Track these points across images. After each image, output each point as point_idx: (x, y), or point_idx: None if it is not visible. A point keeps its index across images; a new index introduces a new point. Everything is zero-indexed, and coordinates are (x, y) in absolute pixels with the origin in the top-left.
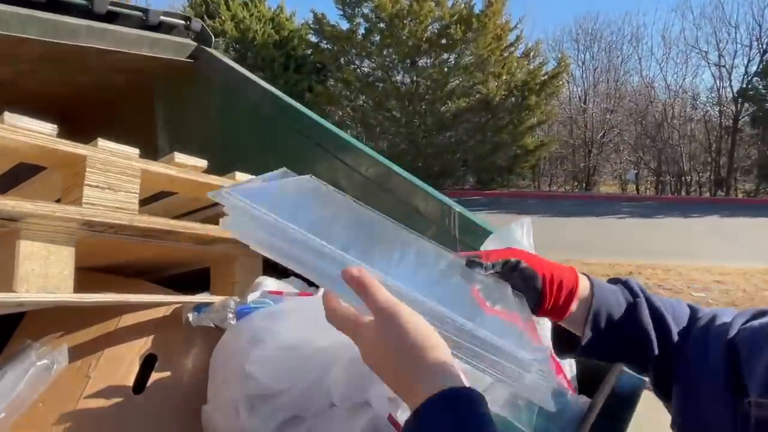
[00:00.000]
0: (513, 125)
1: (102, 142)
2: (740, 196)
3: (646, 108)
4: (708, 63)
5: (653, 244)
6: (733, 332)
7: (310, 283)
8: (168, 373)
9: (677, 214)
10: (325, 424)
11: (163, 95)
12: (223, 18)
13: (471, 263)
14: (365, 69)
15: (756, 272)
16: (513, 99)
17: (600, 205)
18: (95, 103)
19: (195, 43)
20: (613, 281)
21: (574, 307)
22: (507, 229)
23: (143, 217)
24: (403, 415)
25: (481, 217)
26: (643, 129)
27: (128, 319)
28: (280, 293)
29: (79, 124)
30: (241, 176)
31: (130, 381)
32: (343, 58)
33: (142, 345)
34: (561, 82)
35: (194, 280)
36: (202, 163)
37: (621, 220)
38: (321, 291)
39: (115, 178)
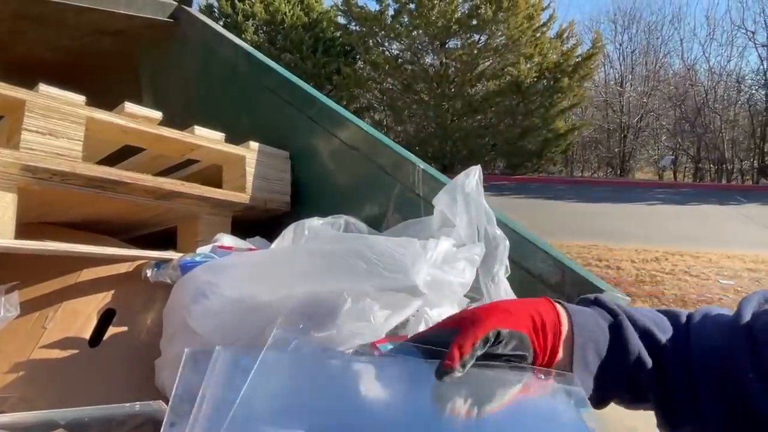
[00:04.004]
0: (544, 108)
1: (44, 88)
2: None
3: (686, 92)
4: (755, 44)
5: (685, 231)
6: (746, 319)
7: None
8: (125, 329)
9: (714, 201)
10: None
11: (148, 57)
12: (252, 0)
13: (442, 374)
14: (394, 51)
15: None
16: (545, 81)
17: (633, 192)
18: (85, 68)
19: (175, 3)
20: (583, 302)
21: (560, 349)
22: (454, 179)
23: (87, 165)
24: None
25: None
26: (682, 114)
27: (89, 274)
28: (230, 248)
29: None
30: (200, 131)
31: (87, 334)
32: (371, 40)
33: (102, 299)
34: (595, 64)
35: (171, 239)
36: (156, 114)
37: (653, 206)
38: (273, 244)
39: (57, 124)
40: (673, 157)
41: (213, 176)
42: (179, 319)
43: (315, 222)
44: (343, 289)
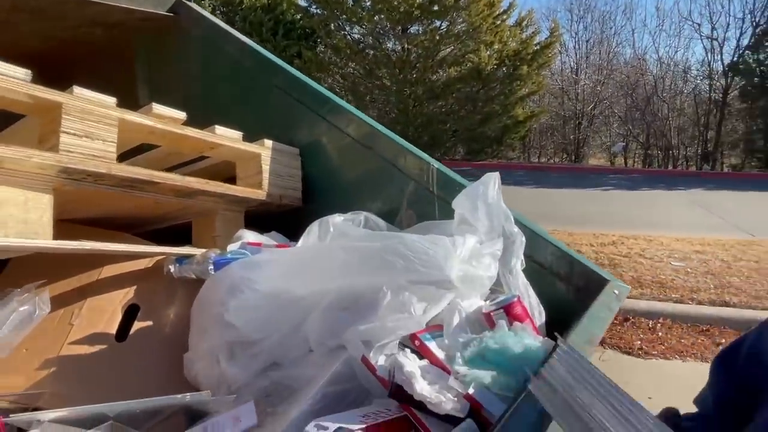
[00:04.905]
0: (504, 95)
1: (78, 90)
2: (726, 170)
3: (636, 81)
4: (700, 36)
5: (638, 215)
6: None
7: (296, 236)
8: (150, 323)
9: (663, 187)
10: (302, 369)
11: (144, 50)
12: None
13: None
14: (355, 35)
15: (735, 243)
16: (504, 69)
17: (587, 178)
18: (74, 58)
19: None
20: None
21: None
22: (475, 185)
23: (122, 166)
24: (375, 356)
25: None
26: (633, 102)
27: (110, 270)
28: (259, 245)
29: (57, 82)
30: (220, 130)
31: (113, 330)
32: (333, 24)
33: (125, 295)
34: (553, 53)
35: (175, 234)
36: (181, 114)
37: (607, 191)
38: (299, 242)
39: (92, 126)
40: (624, 143)
41: (220, 172)
42: (213, 314)
43: (337, 218)
44: (381, 283)
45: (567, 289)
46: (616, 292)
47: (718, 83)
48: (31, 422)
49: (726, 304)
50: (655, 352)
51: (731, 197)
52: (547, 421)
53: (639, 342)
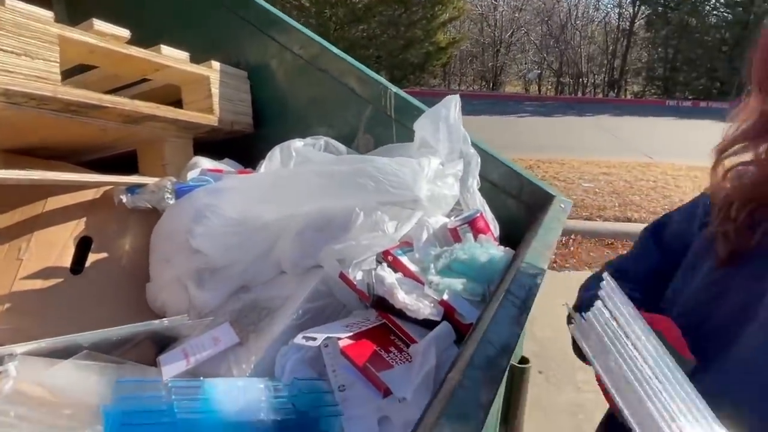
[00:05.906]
0: (426, 20)
1: (10, 1)
2: (629, 97)
3: (552, 7)
4: None
5: (551, 140)
6: None
7: (246, 163)
8: (106, 255)
9: (573, 113)
10: (274, 290)
11: None
12: None
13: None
14: None
15: (637, 165)
16: None
17: (506, 105)
18: None
19: None
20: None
21: None
22: (437, 107)
23: (68, 89)
24: (354, 272)
25: None
26: (548, 29)
27: (55, 203)
28: (219, 171)
29: None
30: (167, 50)
31: (67, 263)
32: None
33: (75, 227)
34: None
35: (103, 165)
36: (124, 32)
37: (523, 118)
38: (262, 167)
39: (30, 43)
40: (539, 71)
41: (161, 98)
42: (178, 242)
43: (298, 143)
44: (353, 205)
45: (517, 206)
46: (562, 206)
47: (626, 12)
48: (2, 357)
49: (628, 220)
50: (568, 265)
51: (633, 122)
52: (525, 316)
53: (554, 256)
